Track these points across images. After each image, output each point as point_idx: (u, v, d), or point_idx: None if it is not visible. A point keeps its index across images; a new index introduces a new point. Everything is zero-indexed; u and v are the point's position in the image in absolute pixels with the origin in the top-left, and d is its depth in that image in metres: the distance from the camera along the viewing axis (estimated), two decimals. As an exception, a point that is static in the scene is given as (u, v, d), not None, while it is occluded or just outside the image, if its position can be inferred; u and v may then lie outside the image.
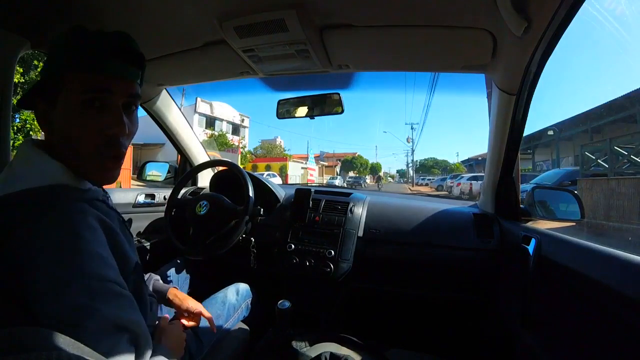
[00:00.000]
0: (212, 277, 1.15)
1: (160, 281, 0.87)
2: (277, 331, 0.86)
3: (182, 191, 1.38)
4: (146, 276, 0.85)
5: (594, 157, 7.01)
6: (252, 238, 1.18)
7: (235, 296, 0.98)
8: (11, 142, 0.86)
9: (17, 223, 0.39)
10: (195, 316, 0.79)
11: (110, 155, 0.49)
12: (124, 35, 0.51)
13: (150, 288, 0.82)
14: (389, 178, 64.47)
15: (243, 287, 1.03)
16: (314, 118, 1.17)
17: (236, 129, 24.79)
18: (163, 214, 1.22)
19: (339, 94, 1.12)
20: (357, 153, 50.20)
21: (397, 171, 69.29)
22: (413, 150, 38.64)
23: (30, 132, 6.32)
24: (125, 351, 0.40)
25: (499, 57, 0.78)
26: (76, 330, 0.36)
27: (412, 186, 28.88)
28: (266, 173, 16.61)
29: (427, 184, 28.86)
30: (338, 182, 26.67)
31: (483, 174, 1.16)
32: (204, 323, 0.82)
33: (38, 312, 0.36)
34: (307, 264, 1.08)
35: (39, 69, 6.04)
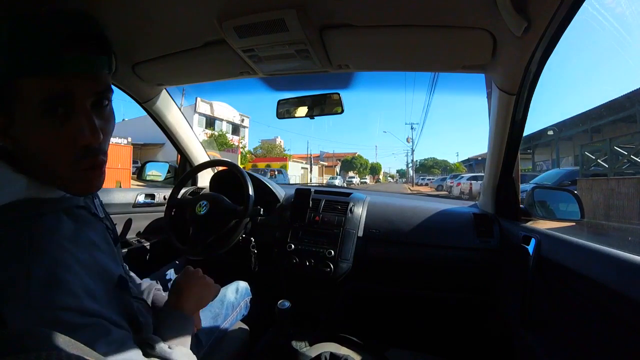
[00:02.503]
0: (213, 278, 1.15)
1: (162, 291, 0.80)
2: (277, 331, 0.86)
3: (182, 191, 1.38)
4: (145, 284, 0.78)
5: (593, 157, 7.01)
6: (252, 238, 1.18)
7: (235, 294, 0.97)
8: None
9: None
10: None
11: (89, 166, 0.43)
12: (79, 15, 0.41)
13: (150, 299, 0.75)
14: (389, 178, 64.52)
15: (243, 285, 1.03)
16: (313, 118, 1.17)
17: (236, 129, 24.80)
18: (163, 214, 1.22)
19: (338, 94, 1.12)
20: (357, 153, 50.35)
21: (397, 171, 69.42)
22: (413, 150, 38.66)
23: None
24: None
25: (498, 57, 0.78)
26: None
27: (412, 186, 28.88)
28: (266, 173, 16.60)
29: (427, 184, 28.87)
30: (338, 182, 26.71)
31: (483, 174, 1.15)
32: (202, 323, 0.82)
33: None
34: (307, 264, 1.08)
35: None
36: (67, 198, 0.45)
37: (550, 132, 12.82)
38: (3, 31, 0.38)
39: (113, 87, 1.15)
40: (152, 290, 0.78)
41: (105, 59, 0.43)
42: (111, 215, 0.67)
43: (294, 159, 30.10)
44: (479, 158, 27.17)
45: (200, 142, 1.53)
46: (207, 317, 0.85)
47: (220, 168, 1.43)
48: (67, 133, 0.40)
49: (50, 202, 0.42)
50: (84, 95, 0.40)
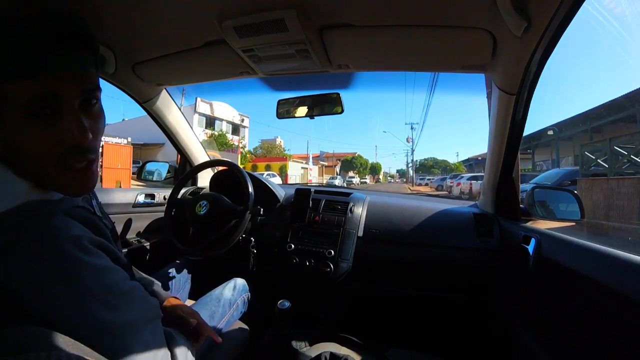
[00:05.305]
0: (213, 277, 1.15)
1: (161, 287, 0.82)
2: (277, 331, 0.86)
3: (182, 191, 1.38)
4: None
5: (593, 157, 7.01)
6: (252, 238, 1.18)
7: (232, 291, 0.97)
8: None
9: None
10: (190, 321, 0.72)
11: (78, 166, 0.43)
12: (60, 14, 0.40)
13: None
14: (389, 178, 64.61)
15: (240, 282, 1.02)
16: (313, 118, 1.17)
17: (236, 129, 24.79)
18: (163, 214, 1.22)
19: (338, 94, 1.12)
20: (357, 153, 50.38)
21: (397, 171, 69.49)
22: (413, 150, 38.62)
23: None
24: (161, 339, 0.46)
25: (498, 57, 0.78)
26: (116, 342, 0.39)
27: (412, 186, 28.85)
28: (266, 173, 16.63)
29: (426, 184, 28.84)
30: (338, 182, 26.75)
31: (483, 174, 1.15)
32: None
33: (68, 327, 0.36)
34: (307, 263, 1.08)
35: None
36: (66, 199, 0.45)
37: (550, 132, 12.80)
38: None
39: (114, 87, 1.15)
40: (153, 285, 0.79)
41: (91, 57, 0.42)
42: (111, 215, 0.67)
43: (294, 159, 30.11)
44: (479, 158, 27.16)
45: (200, 142, 1.53)
46: (203, 316, 0.83)
47: (220, 168, 1.43)
48: (55, 133, 0.40)
49: (50, 203, 0.42)
50: (70, 95, 0.40)
